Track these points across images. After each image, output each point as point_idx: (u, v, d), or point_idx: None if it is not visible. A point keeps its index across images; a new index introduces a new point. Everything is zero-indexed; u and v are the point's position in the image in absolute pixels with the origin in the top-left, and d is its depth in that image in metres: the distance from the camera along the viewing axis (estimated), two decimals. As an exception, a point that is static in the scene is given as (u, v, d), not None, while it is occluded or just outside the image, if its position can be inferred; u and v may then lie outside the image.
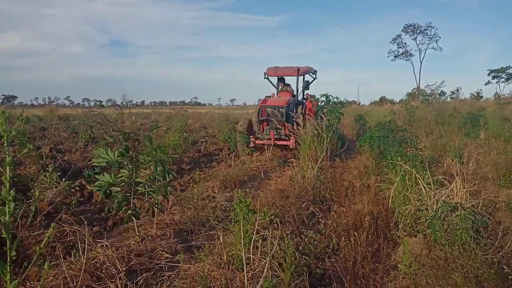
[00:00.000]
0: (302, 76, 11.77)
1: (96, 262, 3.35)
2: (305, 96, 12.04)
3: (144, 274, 3.28)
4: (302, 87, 11.76)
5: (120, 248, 3.76)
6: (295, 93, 11.77)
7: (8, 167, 0.81)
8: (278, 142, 10.38)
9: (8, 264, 0.84)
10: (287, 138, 10.23)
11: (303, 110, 10.94)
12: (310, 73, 12.04)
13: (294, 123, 9.51)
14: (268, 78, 12.24)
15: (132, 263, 3.51)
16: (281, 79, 12.24)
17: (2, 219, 0.92)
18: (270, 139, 10.39)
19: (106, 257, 3.42)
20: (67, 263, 3.23)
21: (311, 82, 12.12)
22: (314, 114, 10.56)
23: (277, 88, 12.23)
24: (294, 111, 10.73)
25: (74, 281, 3.02)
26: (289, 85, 12.13)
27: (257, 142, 10.54)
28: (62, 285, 2.98)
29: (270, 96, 11.92)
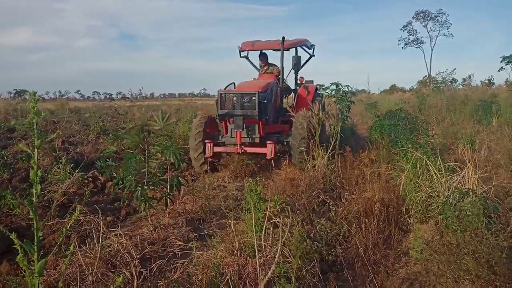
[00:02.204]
0: (293, 53, 8.74)
1: (111, 250, 3.42)
2: (298, 81, 8.92)
3: (158, 262, 3.34)
4: (292, 66, 8.37)
5: (133, 237, 3.83)
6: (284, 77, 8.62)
7: (36, 150, 0.84)
8: (248, 150, 7.06)
9: (36, 244, 0.87)
10: (263, 143, 7.10)
11: (295, 100, 8.45)
12: (304, 47, 8.93)
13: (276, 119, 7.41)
14: (247, 57, 9.12)
15: (145, 251, 3.57)
16: (262, 57, 8.81)
17: (29, 201, 0.95)
18: (236, 144, 7.05)
19: (120, 245, 3.48)
20: (82, 252, 3.29)
21: (307, 61, 9.05)
22: (308, 105, 7.82)
23: (259, 70, 9.03)
24: (276, 100, 7.83)
25: (90, 269, 3.08)
26: (275, 65, 8.78)
27: (216, 149, 7.14)
28: (78, 273, 3.04)
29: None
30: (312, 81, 8.95)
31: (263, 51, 8.82)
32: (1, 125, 12.27)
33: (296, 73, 8.90)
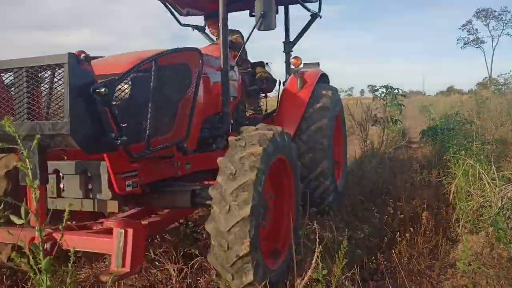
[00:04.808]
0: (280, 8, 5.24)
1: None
2: (290, 64, 5.30)
3: (199, 258, 3.41)
4: (256, 21, 4.00)
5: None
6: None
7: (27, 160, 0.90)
8: (66, 241, 2.25)
9: (40, 243, 0.94)
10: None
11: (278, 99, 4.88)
12: None
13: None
14: (198, 28, 5.57)
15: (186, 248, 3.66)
16: (210, 20, 5.04)
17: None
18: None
19: (164, 240, 3.59)
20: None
21: (309, 25, 5.36)
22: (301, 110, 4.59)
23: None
24: (207, 96, 3.61)
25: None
26: (236, 31, 4.89)
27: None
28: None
29: None
30: (318, 63, 5.33)
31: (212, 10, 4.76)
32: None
33: (289, 46, 5.39)
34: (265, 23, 4.00)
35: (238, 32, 4.93)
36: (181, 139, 3.07)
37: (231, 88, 3.88)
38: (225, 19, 3.88)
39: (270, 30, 4.10)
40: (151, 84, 2.70)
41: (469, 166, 4.50)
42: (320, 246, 2.71)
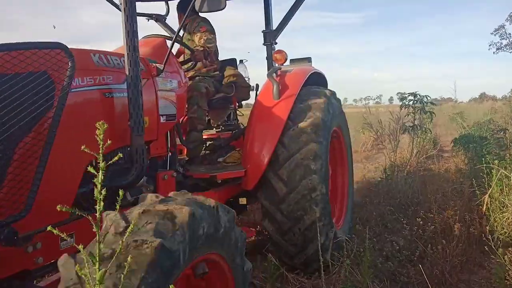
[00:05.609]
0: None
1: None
2: (272, 60, 3.81)
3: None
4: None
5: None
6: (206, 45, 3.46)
7: (101, 171, 0.95)
8: None
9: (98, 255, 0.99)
10: None
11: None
12: None
13: None
14: (158, 18, 4.20)
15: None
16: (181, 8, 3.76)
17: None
18: None
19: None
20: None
21: (296, 8, 3.95)
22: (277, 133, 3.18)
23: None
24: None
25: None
26: (205, 22, 3.69)
27: None
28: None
29: None
30: (309, 58, 4.06)
31: None
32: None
33: (271, 37, 3.98)
34: (210, 1, 2.69)
35: (204, 21, 3.62)
36: (18, 214, 1.65)
37: (163, 103, 2.64)
38: None
39: (218, 11, 2.84)
40: None
41: (503, 175, 4.37)
42: (348, 259, 2.70)
